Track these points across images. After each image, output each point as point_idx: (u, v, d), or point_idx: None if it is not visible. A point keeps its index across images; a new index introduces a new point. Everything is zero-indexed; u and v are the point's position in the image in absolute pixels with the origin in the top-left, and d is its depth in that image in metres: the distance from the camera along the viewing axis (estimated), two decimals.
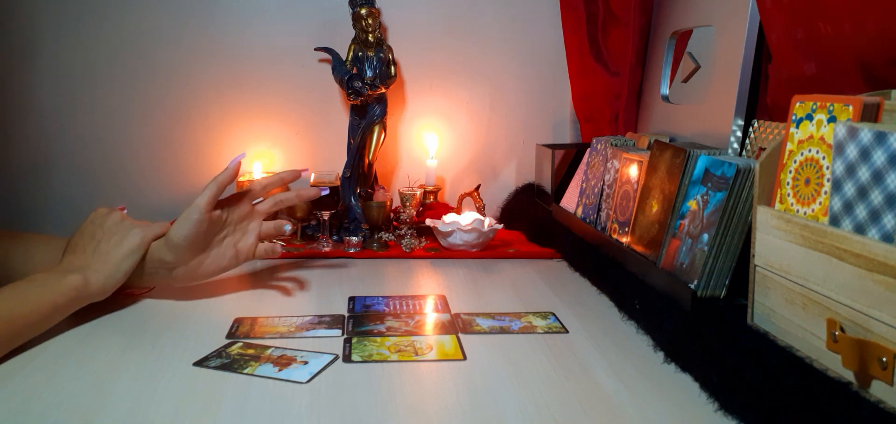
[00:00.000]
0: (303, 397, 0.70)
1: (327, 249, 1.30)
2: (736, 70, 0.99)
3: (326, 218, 1.31)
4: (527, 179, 1.63)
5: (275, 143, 1.58)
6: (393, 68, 1.43)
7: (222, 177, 0.96)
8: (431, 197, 1.52)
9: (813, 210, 0.67)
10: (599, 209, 1.18)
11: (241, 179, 1.43)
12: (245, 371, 0.75)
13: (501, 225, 1.33)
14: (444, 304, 1.00)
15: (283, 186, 1.09)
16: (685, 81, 1.23)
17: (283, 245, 1.31)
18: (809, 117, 0.69)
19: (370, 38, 1.40)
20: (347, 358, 0.79)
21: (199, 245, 0.96)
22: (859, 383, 0.59)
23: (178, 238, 0.94)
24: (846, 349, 0.59)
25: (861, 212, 0.60)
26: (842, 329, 0.60)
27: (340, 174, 1.42)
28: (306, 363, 0.78)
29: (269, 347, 0.82)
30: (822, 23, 0.81)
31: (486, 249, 1.31)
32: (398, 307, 0.99)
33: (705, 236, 0.84)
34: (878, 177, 0.59)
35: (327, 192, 1.13)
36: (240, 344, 0.83)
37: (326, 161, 1.55)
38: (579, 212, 1.26)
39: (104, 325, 0.90)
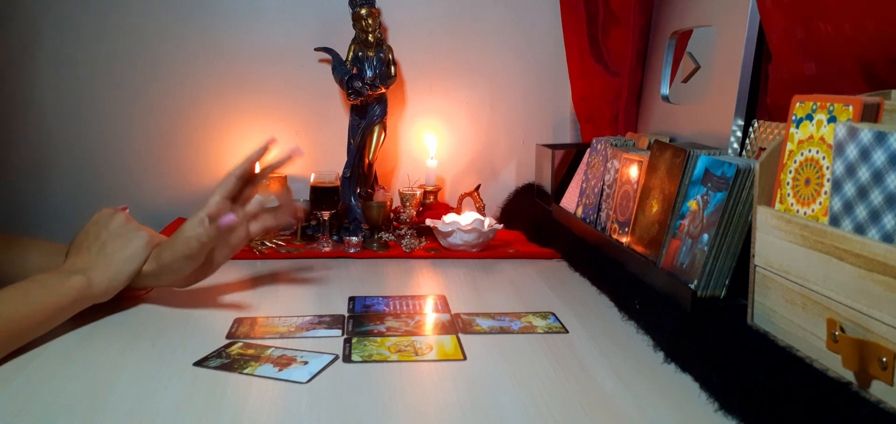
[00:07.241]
0: (303, 397, 0.70)
1: (327, 249, 1.30)
2: (736, 70, 0.99)
3: (326, 218, 1.31)
4: (527, 179, 1.63)
5: (275, 143, 1.57)
6: (393, 68, 1.43)
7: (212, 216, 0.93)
8: (431, 197, 1.52)
9: (813, 210, 0.67)
10: (599, 209, 1.18)
11: None
12: (245, 371, 0.75)
13: (501, 225, 1.33)
14: (444, 304, 1.00)
15: (253, 164, 1.02)
16: (685, 81, 1.23)
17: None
18: (809, 117, 0.69)
19: (370, 38, 1.40)
20: (347, 358, 0.79)
21: (191, 266, 0.94)
22: (859, 383, 0.59)
23: (170, 260, 0.92)
24: (846, 349, 0.59)
25: (861, 212, 0.60)
26: (842, 329, 0.60)
27: (340, 174, 1.42)
28: (306, 363, 0.78)
29: (269, 347, 0.82)
30: (822, 23, 0.81)
31: (486, 249, 1.31)
32: (398, 307, 0.99)
33: (705, 236, 0.83)
34: (878, 177, 0.59)
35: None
36: (240, 344, 0.83)
37: (326, 161, 1.55)
38: (579, 212, 1.26)
39: (104, 325, 0.90)
